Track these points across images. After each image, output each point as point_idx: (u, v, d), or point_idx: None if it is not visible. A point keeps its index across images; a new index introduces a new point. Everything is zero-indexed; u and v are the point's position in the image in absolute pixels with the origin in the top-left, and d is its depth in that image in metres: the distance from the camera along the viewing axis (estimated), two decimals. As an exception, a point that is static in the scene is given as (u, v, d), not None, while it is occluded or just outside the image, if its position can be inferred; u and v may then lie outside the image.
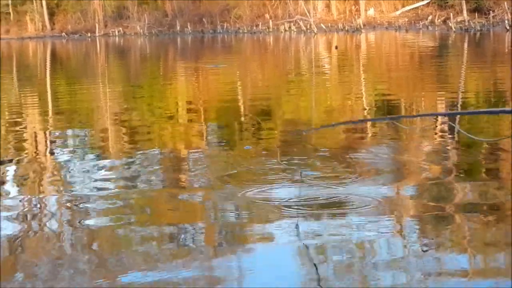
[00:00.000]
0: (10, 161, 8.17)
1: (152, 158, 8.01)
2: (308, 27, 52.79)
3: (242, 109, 12.62)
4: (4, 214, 5.86)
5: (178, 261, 4.64)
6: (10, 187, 6.88)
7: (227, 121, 11.16)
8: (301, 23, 53.87)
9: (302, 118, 11.49)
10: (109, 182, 6.86)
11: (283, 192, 6.14)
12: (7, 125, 11.56)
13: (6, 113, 13.39)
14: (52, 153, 8.71)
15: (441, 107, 11.77)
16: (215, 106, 13.40)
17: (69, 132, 10.47)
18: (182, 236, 5.17)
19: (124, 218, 5.62)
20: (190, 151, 8.48)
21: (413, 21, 50.61)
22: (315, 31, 51.01)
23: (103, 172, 7.35)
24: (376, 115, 11.17)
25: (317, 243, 4.86)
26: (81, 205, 6.02)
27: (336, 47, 32.80)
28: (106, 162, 7.90)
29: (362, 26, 50.57)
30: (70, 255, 4.84)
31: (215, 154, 8.31)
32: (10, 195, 6.52)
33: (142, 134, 9.99)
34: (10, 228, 5.46)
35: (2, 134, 10.45)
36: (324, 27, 51.96)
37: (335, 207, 5.69)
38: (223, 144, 9.08)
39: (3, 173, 7.52)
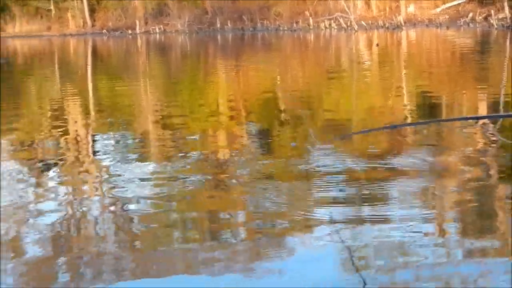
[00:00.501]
0: (52, 158, 8.23)
1: (194, 156, 8.01)
2: (348, 24, 52.57)
3: (283, 106, 12.61)
4: (46, 206, 5.91)
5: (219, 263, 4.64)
6: (52, 181, 6.93)
7: (268, 118, 11.15)
8: (341, 20, 53.66)
9: (342, 116, 11.44)
10: (150, 180, 6.87)
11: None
12: (48, 121, 11.66)
13: (48, 109, 13.51)
14: (93, 151, 8.76)
15: (482, 107, 11.63)
16: (256, 103, 13.39)
17: (110, 128, 10.51)
18: (225, 231, 5.18)
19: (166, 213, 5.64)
20: (233, 148, 8.47)
21: (454, 18, 50.20)
22: (355, 28, 50.79)
23: (144, 170, 7.36)
24: (417, 113, 11.09)
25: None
26: (122, 201, 6.05)
27: (377, 44, 32.61)
28: (147, 159, 7.92)
29: (402, 23, 50.25)
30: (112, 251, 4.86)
31: (257, 151, 8.29)
32: (53, 189, 6.56)
33: (183, 130, 10.00)
34: (53, 223, 5.50)
35: (44, 130, 10.55)
36: (364, 24, 51.72)
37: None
38: (265, 140, 9.07)
39: (45, 169, 7.58)
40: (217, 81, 18.63)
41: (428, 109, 11.50)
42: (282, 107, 12.51)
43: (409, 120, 10.21)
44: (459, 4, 51.93)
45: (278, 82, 17.13)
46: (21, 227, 5.42)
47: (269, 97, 14.15)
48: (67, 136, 9.97)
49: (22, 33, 67.74)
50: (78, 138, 9.86)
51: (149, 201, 6.06)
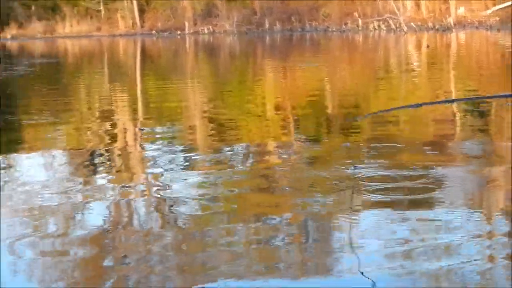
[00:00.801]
0: (101, 155, 8.29)
1: (241, 153, 8.01)
2: (397, 25, 52.27)
3: (332, 107, 12.57)
4: (95, 206, 5.94)
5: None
6: (102, 179, 6.97)
7: (318, 118, 11.12)
8: (390, 21, 53.37)
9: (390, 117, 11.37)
10: (197, 176, 6.87)
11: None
12: (98, 120, 11.76)
13: (97, 108, 13.62)
14: (141, 147, 8.80)
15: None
16: (304, 103, 13.36)
17: (158, 126, 10.55)
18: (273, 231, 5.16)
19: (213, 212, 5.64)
20: (283, 148, 8.44)
21: (504, 21, 49.64)
22: (404, 30, 50.49)
23: (191, 166, 7.37)
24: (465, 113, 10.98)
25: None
26: (170, 198, 6.06)
27: (428, 46, 32.35)
28: (195, 156, 7.93)
29: (452, 25, 49.84)
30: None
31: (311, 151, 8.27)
32: (102, 188, 6.60)
33: (230, 130, 10.00)
34: (100, 220, 5.52)
35: (94, 129, 10.63)
36: (414, 25, 51.38)
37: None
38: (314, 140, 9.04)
39: (94, 166, 7.63)
40: (265, 81, 18.61)
41: (477, 110, 11.37)
42: (330, 107, 12.46)
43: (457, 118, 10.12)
44: (510, 6, 51.33)
45: (326, 83, 17.08)
46: (67, 223, 5.44)
47: (317, 97, 14.10)
48: (115, 132, 10.03)
49: (72, 34, 68.39)
50: (126, 134, 9.92)
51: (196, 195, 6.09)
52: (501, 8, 51.96)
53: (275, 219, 5.36)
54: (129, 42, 54.21)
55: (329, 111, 11.98)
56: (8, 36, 68.20)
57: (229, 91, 16.35)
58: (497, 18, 50.58)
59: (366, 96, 14.14)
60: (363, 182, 6.25)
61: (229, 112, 12.23)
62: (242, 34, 59.63)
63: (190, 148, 8.54)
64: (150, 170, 7.32)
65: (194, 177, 6.83)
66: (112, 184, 6.71)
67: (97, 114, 12.65)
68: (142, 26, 68.25)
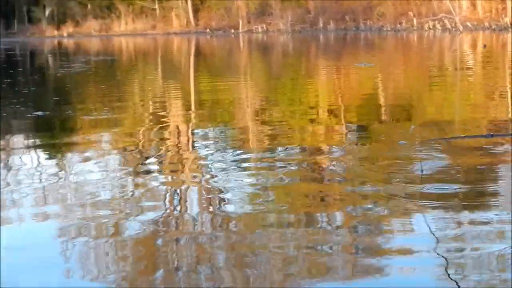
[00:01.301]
0: (154, 153, 8.31)
1: (295, 153, 7.96)
2: (453, 25, 51.81)
3: (384, 106, 12.47)
4: (147, 203, 5.96)
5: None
6: (155, 176, 6.99)
7: (370, 117, 11.05)
8: (446, 21, 52.91)
9: (444, 117, 11.25)
10: (248, 176, 6.85)
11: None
12: (151, 117, 11.82)
13: (151, 105, 13.69)
14: (193, 146, 8.81)
15: None
16: (359, 102, 13.28)
17: (210, 126, 10.55)
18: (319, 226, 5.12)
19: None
20: (338, 148, 8.38)
21: None
22: (460, 30, 50.02)
23: (243, 166, 7.35)
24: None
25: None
26: (221, 197, 6.06)
27: (485, 46, 31.98)
28: (246, 156, 7.90)
29: (509, 25, 49.22)
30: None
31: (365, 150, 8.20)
32: (154, 184, 6.62)
33: (283, 130, 9.95)
34: (153, 215, 5.53)
35: (146, 126, 10.68)
36: (469, 25, 50.88)
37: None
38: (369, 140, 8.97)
39: (147, 164, 7.67)
40: (319, 81, 18.55)
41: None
42: (383, 107, 12.37)
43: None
44: None
45: (380, 82, 16.96)
46: (122, 222, 5.45)
47: (371, 97, 14.02)
48: (168, 130, 10.06)
49: (127, 32, 69.02)
50: (179, 131, 9.95)
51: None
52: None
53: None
54: (184, 40, 54.48)
55: (385, 116, 11.87)
56: (65, 34, 69.08)
57: (282, 89, 16.30)
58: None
59: (426, 101, 14.00)
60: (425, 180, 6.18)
61: (282, 114, 12.19)
62: (295, 33, 59.57)
63: (242, 146, 8.53)
64: (203, 167, 7.31)
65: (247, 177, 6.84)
66: (166, 182, 6.74)
67: (152, 111, 12.71)
68: (196, 25, 68.58)
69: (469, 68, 20.80)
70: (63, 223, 5.36)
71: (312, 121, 10.91)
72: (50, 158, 8.21)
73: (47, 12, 70.99)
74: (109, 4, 71.08)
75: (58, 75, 23.19)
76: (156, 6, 70.26)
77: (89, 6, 71.33)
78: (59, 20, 71.52)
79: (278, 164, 7.29)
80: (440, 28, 53.06)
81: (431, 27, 53.76)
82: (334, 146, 8.36)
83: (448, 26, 52.24)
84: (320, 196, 6.05)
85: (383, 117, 11.11)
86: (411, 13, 56.40)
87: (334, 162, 7.36)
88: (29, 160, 7.84)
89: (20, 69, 26.54)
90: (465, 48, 32.89)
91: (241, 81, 18.88)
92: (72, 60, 31.81)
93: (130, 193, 6.29)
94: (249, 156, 7.80)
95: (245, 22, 65.19)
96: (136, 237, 5.01)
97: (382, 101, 13.30)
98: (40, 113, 12.04)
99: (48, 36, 68.34)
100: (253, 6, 66.10)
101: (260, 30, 63.26)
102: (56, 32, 69.73)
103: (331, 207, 5.69)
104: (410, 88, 15.72)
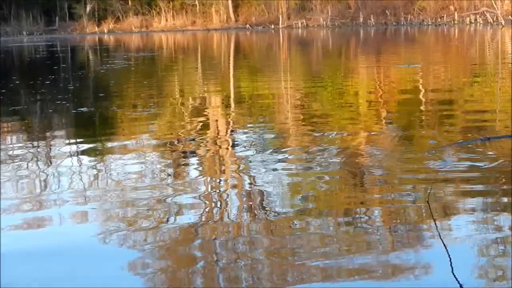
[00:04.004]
0: (192, 151, 8.35)
1: (333, 152, 7.96)
2: (494, 19, 51.33)
3: (425, 104, 12.41)
4: (184, 200, 6.00)
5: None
6: (192, 173, 7.03)
7: (409, 115, 11.00)
8: (487, 15, 52.45)
9: (484, 115, 11.17)
10: (288, 174, 6.86)
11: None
12: (190, 113, 11.88)
13: (190, 101, 13.75)
14: (232, 143, 8.83)
15: None
16: (398, 100, 13.23)
17: (250, 123, 10.56)
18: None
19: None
20: (376, 147, 8.37)
21: None
22: (502, 23, 49.53)
23: (282, 163, 7.36)
24: None
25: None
26: (258, 193, 6.08)
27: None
28: (285, 153, 7.91)
29: (552, 18, 48.68)
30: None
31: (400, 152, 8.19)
32: (191, 183, 6.66)
33: (321, 128, 9.94)
34: (190, 215, 5.57)
35: (186, 121, 10.75)
36: (511, 19, 50.36)
37: None
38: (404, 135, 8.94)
39: (185, 161, 7.72)
40: (359, 77, 18.49)
41: None
42: (424, 105, 12.30)
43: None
44: None
45: (421, 79, 16.86)
46: (159, 221, 5.49)
47: (411, 94, 13.96)
48: (207, 127, 10.11)
49: (167, 28, 69.32)
50: (218, 129, 9.99)
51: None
52: None
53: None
54: (224, 36, 54.57)
55: (423, 109, 11.81)
56: (105, 30, 69.56)
57: (321, 86, 16.28)
58: None
59: (461, 93, 13.90)
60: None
61: (321, 107, 12.19)
62: (335, 28, 59.38)
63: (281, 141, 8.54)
64: (243, 160, 7.34)
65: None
66: (204, 177, 6.78)
67: (193, 108, 12.77)
68: (236, 21, 68.68)
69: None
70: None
71: (353, 119, 10.89)
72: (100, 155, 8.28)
73: (88, 9, 71.58)
74: (150, 1, 71.48)
75: (102, 71, 23.38)
76: (196, 2, 70.48)
77: (129, 2, 71.79)
78: (99, 17, 72.08)
79: (315, 164, 7.29)
80: (481, 22, 52.60)
81: (472, 21, 53.31)
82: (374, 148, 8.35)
83: (490, 20, 51.75)
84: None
85: (418, 115, 11.05)
86: (452, 8, 55.98)
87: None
88: (87, 154, 7.95)
89: (64, 65, 26.81)
90: (508, 42, 32.53)
91: (280, 77, 18.87)
92: (114, 56, 32.03)
93: (163, 194, 6.34)
94: (287, 156, 7.81)
95: (285, 17, 65.15)
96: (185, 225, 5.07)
97: (418, 98, 13.23)
98: (84, 109, 12.39)
99: (88, 33, 68.93)
100: (293, 2, 66.05)
101: (300, 25, 63.19)
102: (96, 29, 70.30)
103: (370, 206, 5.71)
104: (446, 80, 15.59)
